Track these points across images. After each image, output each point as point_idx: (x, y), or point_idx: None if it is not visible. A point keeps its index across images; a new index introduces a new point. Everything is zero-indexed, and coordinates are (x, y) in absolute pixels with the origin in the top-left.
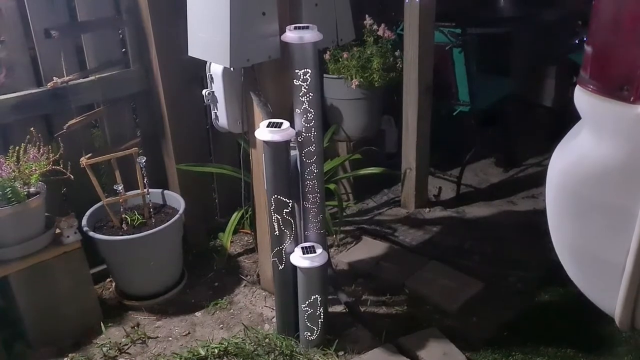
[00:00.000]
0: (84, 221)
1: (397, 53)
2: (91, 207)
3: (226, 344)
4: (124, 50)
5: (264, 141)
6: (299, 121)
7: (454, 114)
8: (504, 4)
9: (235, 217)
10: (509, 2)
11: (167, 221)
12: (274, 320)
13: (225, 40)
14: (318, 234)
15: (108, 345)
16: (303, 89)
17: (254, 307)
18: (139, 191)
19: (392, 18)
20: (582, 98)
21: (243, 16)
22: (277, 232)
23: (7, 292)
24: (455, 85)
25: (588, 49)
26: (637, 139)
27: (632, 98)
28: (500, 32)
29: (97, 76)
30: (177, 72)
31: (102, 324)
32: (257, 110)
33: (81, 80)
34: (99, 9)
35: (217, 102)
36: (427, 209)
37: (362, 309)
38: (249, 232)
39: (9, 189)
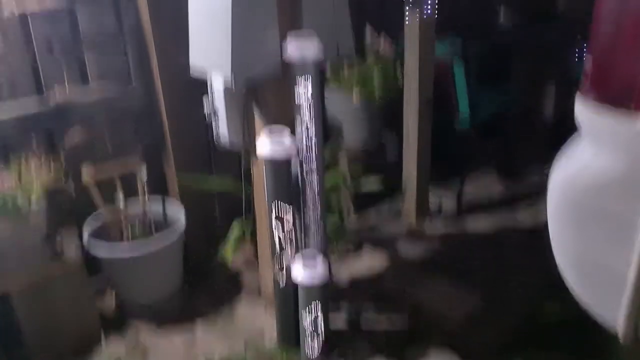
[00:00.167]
0: (84, 234)
1: (397, 66)
2: (92, 219)
3: (226, 356)
4: (126, 65)
5: (265, 154)
6: (300, 134)
7: (455, 125)
8: (504, 16)
9: (236, 228)
10: (509, 14)
11: (168, 232)
12: (274, 332)
13: (226, 54)
14: (319, 245)
15: (108, 357)
16: (304, 101)
17: (254, 318)
18: (139, 202)
19: (392, 31)
20: (583, 109)
21: (244, 31)
22: (277, 244)
23: (7, 307)
24: (456, 97)
25: (588, 60)
26: (638, 149)
27: (632, 108)
28: (501, 44)
29: (99, 90)
30: (178, 87)
31: (102, 335)
32: (258, 124)
33: (83, 94)
34: (102, 25)
35: (218, 115)
36: (428, 221)
37: (363, 321)
38: (250, 243)
39: (9, 202)
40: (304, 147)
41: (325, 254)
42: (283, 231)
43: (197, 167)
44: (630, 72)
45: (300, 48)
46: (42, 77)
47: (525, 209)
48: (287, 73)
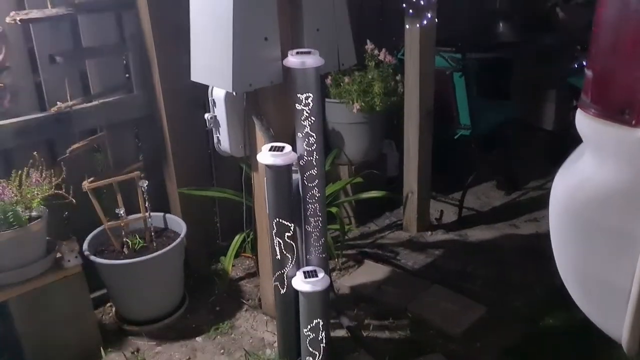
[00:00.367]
0: (85, 245)
1: (398, 77)
2: (92, 231)
3: None
4: (127, 75)
5: (266, 165)
6: (301, 145)
7: (455, 137)
8: (504, 29)
9: (236, 240)
10: (509, 27)
11: (169, 245)
12: (276, 345)
13: (228, 65)
14: (320, 257)
15: None
16: (305, 113)
17: (255, 331)
18: (140, 215)
19: (393, 43)
20: (584, 122)
21: (245, 41)
22: (278, 256)
23: (6, 317)
24: (456, 109)
25: (588, 72)
26: (639, 162)
27: (633, 122)
28: (501, 56)
29: (100, 101)
30: (179, 96)
31: (101, 349)
32: (259, 135)
33: (85, 105)
34: (103, 35)
35: (219, 126)
36: (429, 233)
37: (365, 334)
38: (251, 256)
39: (10, 213)
40: (305, 157)
41: (326, 265)
42: (284, 242)
43: (197, 176)
44: (630, 87)
45: (301, 59)
46: (43, 87)
47: (527, 220)
48: (288, 84)
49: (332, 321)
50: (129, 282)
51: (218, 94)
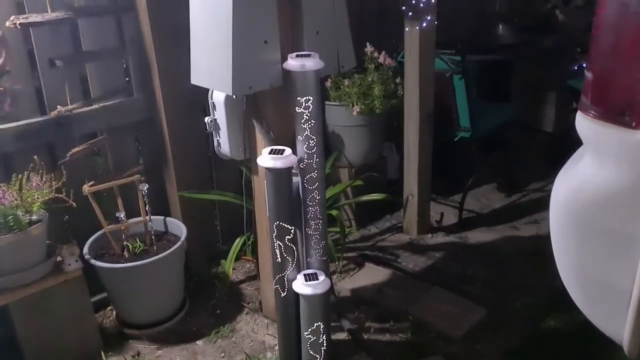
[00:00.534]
0: (85, 249)
1: (397, 80)
2: (93, 234)
3: None
4: (127, 79)
5: (266, 168)
6: (301, 148)
7: (455, 139)
8: (504, 32)
9: (237, 244)
10: (508, 29)
11: (169, 248)
12: (276, 348)
13: (228, 68)
14: (320, 260)
15: None
16: (305, 116)
17: (256, 334)
18: (140, 218)
19: (392, 45)
20: (584, 124)
21: (245, 44)
22: (279, 259)
23: (7, 320)
24: (456, 111)
25: (588, 74)
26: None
27: (633, 123)
28: (501, 59)
29: (100, 105)
30: (179, 100)
31: (102, 353)
32: (259, 137)
33: (85, 108)
34: (103, 39)
35: (219, 129)
36: (430, 235)
37: (366, 336)
38: (251, 259)
39: (10, 216)
40: (305, 160)
41: (327, 268)
42: (284, 245)
43: (198, 179)
44: (630, 89)
45: (301, 62)
46: (43, 91)
47: (527, 222)
48: (287, 87)
49: (332, 324)
50: (130, 286)
51: (218, 97)
